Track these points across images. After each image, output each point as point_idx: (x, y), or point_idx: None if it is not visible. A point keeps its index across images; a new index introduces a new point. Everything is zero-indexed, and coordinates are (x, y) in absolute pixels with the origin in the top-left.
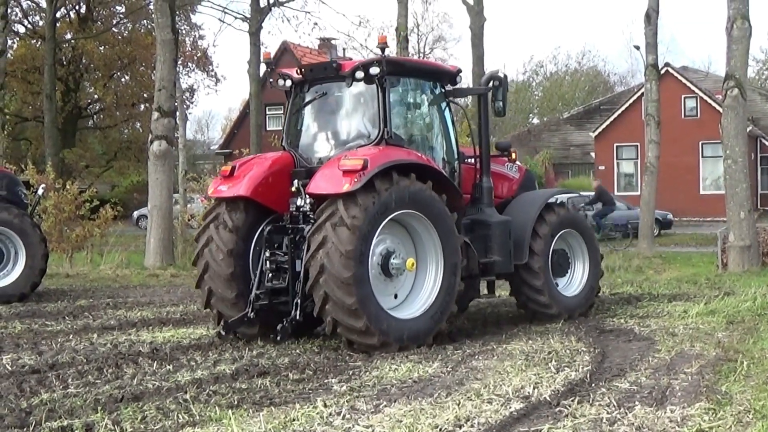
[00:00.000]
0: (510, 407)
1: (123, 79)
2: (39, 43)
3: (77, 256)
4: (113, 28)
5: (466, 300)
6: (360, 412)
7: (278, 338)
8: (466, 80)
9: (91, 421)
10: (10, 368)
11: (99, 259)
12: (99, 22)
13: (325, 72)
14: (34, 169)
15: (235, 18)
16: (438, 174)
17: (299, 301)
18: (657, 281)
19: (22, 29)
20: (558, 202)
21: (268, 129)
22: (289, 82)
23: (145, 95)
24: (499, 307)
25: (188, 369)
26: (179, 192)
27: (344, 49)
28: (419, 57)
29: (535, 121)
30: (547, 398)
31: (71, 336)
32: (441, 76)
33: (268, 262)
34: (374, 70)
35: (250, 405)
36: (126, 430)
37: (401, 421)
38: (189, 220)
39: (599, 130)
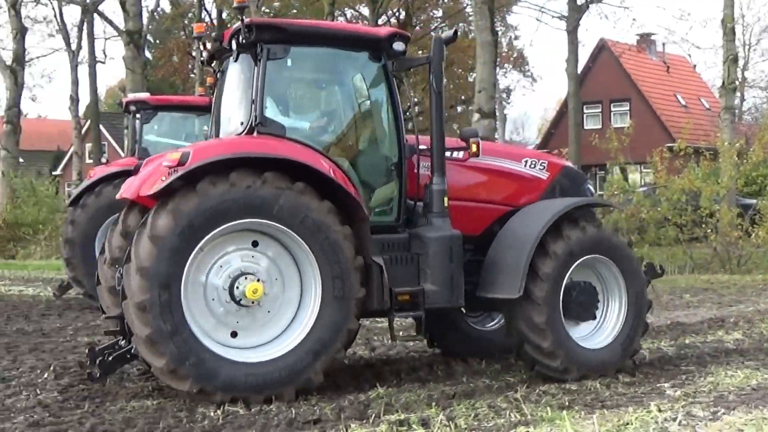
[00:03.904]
0: None
1: None
2: None
3: None
4: (431, 33)
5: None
6: (697, 418)
7: (98, 375)
8: None
9: (426, 416)
10: (347, 362)
11: None
12: (417, 27)
13: (219, 44)
14: None
15: (552, 17)
16: (320, 175)
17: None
18: None
19: None
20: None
21: (586, 128)
22: (209, 59)
23: (462, 97)
24: None
25: (517, 368)
26: None
27: (663, 44)
28: (749, 48)
29: None
30: None
31: (401, 333)
32: (364, 45)
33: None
34: (242, 38)
35: (581, 407)
36: (460, 426)
37: (742, 430)
38: None
39: None
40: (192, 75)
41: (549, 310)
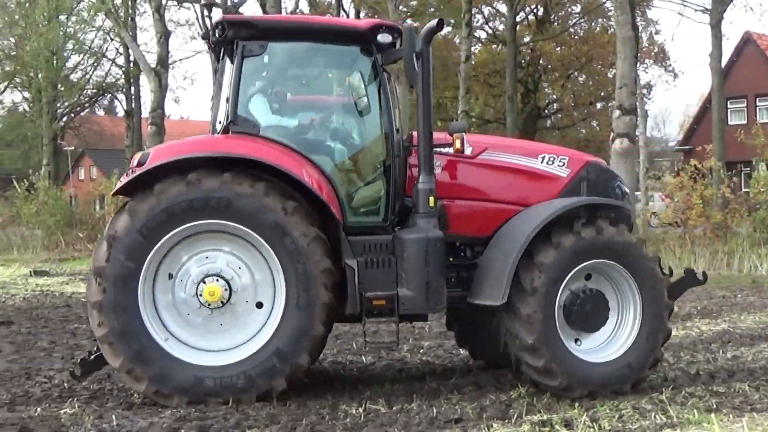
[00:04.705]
0: None
1: (580, 79)
2: (499, 47)
3: None
4: (570, 29)
5: None
6: None
7: (79, 373)
8: None
9: (569, 417)
10: (467, 363)
11: None
12: (556, 23)
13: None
14: None
15: (695, 10)
16: (285, 175)
17: None
18: None
19: (483, 35)
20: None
21: (730, 123)
22: (217, 58)
23: (601, 93)
24: None
25: (662, 369)
26: (640, 190)
27: None
28: None
29: None
30: None
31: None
32: (346, 38)
33: None
34: (218, 34)
35: (729, 409)
36: (604, 427)
37: None
38: (650, 217)
39: None
40: (330, 75)
41: (541, 326)
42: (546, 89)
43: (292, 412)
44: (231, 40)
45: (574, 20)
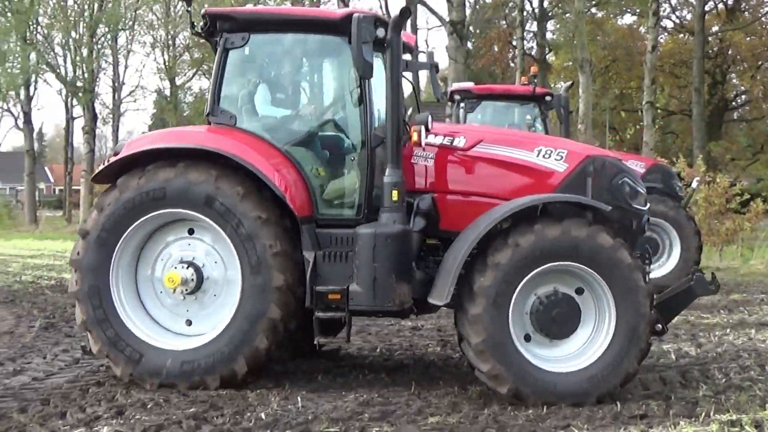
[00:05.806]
0: None
1: None
2: (686, 37)
3: (726, 250)
4: (761, 18)
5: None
6: None
7: (88, 349)
8: None
9: (759, 418)
10: (674, 357)
11: (749, 254)
12: (747, 13)
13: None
14: (684, 161)
15: None
16: (244, 167)
17: None
18: None
19: (670, 24)
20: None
21: None
22: None
23: None
24: None
25: None
26: None
27: None
28: None
29: None
30: None
31: (728, 330)
32: (324, 28)
33: None
34: (201, 27)
35: None
36: None
37: None
38: None
39: None
40: (512, 64)
41: (488, 329)
42: (734, 81)
43: (474, 401)
44: (215, 32)
45: (767, 9)
